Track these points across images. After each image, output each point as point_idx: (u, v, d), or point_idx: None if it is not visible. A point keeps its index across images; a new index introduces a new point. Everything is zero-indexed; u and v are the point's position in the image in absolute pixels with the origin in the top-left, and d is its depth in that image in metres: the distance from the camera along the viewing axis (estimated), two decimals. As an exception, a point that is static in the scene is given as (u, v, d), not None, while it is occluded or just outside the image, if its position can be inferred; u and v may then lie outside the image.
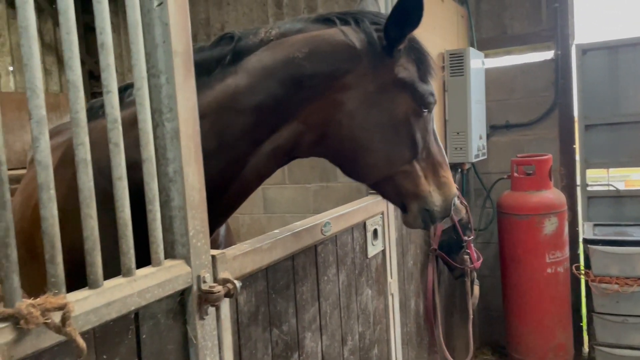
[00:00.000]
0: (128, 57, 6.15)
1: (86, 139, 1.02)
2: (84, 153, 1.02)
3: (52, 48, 6.39)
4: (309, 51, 1.55)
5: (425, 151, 1.68)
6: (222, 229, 1.92)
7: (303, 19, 1.66)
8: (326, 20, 1.64)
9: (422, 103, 1.63)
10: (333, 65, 1.56)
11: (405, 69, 1.62)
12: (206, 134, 1.42)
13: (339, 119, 1.57)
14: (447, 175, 1.73)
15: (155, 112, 1.23)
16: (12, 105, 5.45)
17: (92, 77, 6.31)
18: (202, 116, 1.40)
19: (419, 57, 1.66)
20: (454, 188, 1.74)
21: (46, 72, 6.34)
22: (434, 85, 1.71)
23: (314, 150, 1.65)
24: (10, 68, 6.06)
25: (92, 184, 1.03)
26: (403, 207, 1.73)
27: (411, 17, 1.51)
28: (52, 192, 0.94)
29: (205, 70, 1.54)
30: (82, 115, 1.01)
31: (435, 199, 1.69)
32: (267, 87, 1.54)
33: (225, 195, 1.59)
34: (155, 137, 1.23)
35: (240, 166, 1.57)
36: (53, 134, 2.44)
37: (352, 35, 1.59)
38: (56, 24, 6.24)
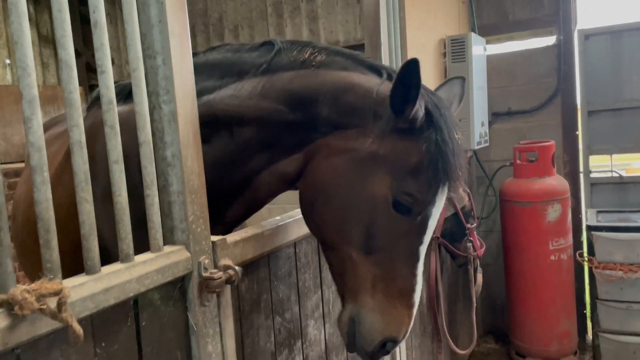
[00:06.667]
0: (126, 50, 6.11)
1: (80, 121, 0.99)
2: (79, 135, 0.99)
3: (49, 40, 6.34)
4: (335, 98, 1.44)
5: (390, 257, 1.37)
6: None
7: (355, 57, 1.52)
8: (374, 69, 1.51)
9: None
10: (345, 118, 1.43)
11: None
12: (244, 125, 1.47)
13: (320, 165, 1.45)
14: (404, 312, 1.38)
15: (152, 94, 1.19)
16: (10, 98, 5.41)
17: (90, 69, 6.27)
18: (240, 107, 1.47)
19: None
20: (399, 332, 1.38)
21: (43, 64, 6.30)
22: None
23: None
24: (8, 61, 6.02)
25: (87, 166, 1.00)
26: (342, 301, 1.48)
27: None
28: (46, 174, 0.91)
29: (246, 67, 1.52)
30: (76, 96, 0.98)
31: (370, 318, 1.36)
32: (274, 110, 1.47)
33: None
34: (153, 120, 1.20)
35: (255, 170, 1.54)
36: (51, 124, 2.41)
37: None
38: (53, 15, 6.20)
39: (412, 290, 1.38)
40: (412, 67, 1.26)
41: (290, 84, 1.47)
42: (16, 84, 5.90)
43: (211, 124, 1.47)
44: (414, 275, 1.39)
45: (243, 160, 1.52)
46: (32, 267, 1.99)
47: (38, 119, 0.90)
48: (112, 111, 1.06)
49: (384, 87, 1.42)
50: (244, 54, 1.57)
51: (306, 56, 1.50)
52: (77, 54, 5.88)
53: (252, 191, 1.56)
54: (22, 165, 4.47)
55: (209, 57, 1.60)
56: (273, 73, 1.50)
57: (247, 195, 1.57)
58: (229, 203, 1.57)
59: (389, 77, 1.46)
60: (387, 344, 1.37)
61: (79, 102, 0.98)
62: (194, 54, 1.62)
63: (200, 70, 1.55)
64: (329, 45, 1.56)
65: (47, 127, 2.21)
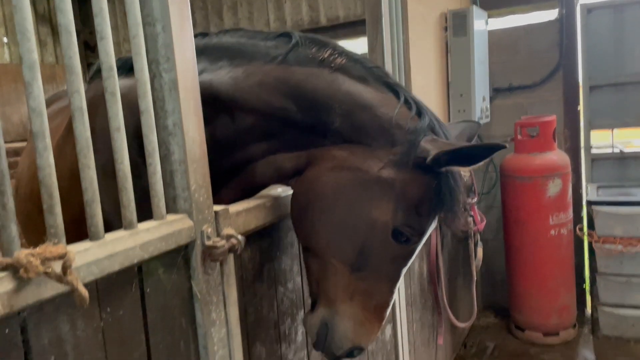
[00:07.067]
0: (124, 28, 6.04)
1: (81, 87, 0.98)
2: (79, 101, 0.98)
3: (46, 19, 6.28)
4: (350, 112, 1.41)
5: (374, 275, 1.40)
6: None
7: (375, 71, 1.49)
8: (391, 88, 1.47)
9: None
10: (357, 135, 1.42)
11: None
12: (244, 105, 1.46)
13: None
14: (376, 324, 1.42)
15: (152, 62, 1.18)
16: (9, 77, 5.38)
17: (88, 47, 6.22)
18: (247, 89, 1.45)
19: None
20: (368, 341, 1.43)
21: (41, 43, 6.25)
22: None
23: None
24: (5, 39, 5.97)
25: (88, 133, 1.00)
26: (313, 304, 1.47)
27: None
28: (48, 140, 0.91)
29: (260, 56, 1.49)
30: (76, 62, 0.97)
31: (343, 326, 1.38)
32: (282, 107, 1.45)
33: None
34: (153, 89, 1.19)
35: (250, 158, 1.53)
36: (54, 100, 2.40)
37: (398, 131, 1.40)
38: (49, -7, 6.12)
39: (387, 305, 1.44)
40: (489, 152, 1.28)
41: (305, 82, 1.43)
42: (14, 62, 5.86)
43: (212, 104, 1.44)
44: (391, 293, 1.44)
45: (241, 145, 1.51)
46: (37, 240, 1.99)
47: (39, 84, 0.89)
48: (113, 78, 1.06)
49: (402, 113, 1.41)
50: (259, 41, 1.53)
51: (325, 55, 1.46)
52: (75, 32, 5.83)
53: (247, 176, 1.55)
54: (21, 144, 4.46)
55: (221, 39, 1.57)
56: (288, 66, 1.46)
57: (242, 180, 1.56)
58: (223, 184, 1.56)
59: (406, 102, 1.44)
60: (355, 351, 1.42)
61: (80, 68, 0.98)
62: (206, 35, 1.61)
63: (211, 51, 1.53)
64: (349, 50, 1.51)
65: (49, 103, 2.20)
